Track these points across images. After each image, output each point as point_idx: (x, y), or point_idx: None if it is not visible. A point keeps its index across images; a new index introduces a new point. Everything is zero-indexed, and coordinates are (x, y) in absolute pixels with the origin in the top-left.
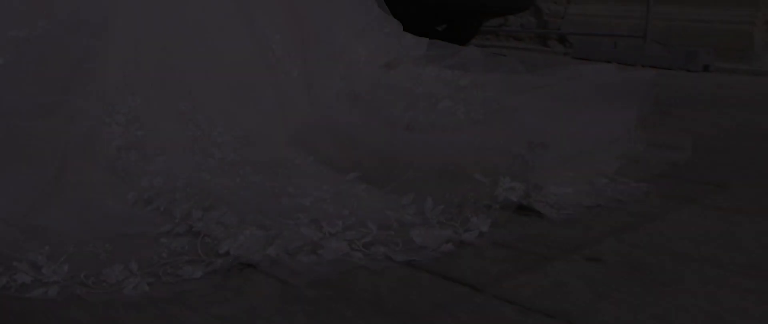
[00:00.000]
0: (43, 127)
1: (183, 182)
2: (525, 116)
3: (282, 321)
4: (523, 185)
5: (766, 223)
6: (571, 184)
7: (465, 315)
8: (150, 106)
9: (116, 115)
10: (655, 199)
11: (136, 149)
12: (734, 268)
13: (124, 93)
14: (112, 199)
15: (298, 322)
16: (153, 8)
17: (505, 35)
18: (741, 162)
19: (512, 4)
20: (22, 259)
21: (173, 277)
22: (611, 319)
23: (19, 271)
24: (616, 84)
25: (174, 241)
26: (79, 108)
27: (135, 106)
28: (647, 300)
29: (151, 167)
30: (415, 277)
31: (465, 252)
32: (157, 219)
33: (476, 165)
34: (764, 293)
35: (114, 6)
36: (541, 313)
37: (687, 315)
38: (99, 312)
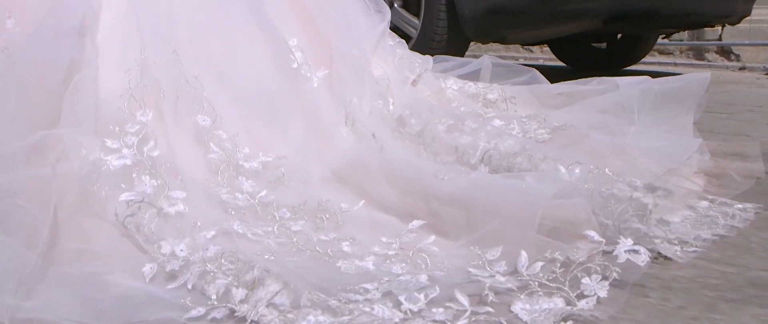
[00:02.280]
0: (26, 178)
1: (214, 250)
2: (591, 135)
3: None
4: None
5: None
6: (673, 211)
7: None
8: (163, 120)
9: (125, 137)
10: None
11: (152, 175)
12: None
13: (132, 105)
14: (123, 273)
15: None
16: (158, 4)
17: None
18: None
19: (727, 9)
20: None
21: None
22: None
23: None
24: (659, 90)
25: None
26: (73, 142)
27: (146, 121)
28: None
29: (169, 224)
30: None
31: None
32: (186, 300)
33: (588, 222)
34: None
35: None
36: None
37: None
38: None
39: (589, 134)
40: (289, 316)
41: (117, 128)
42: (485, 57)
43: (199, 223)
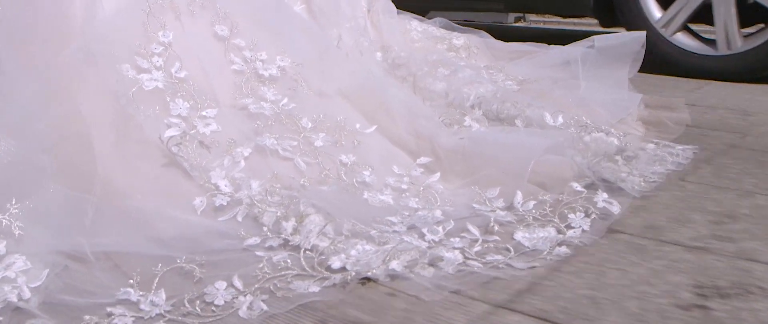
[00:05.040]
0: (59, 119)
1: (258, 188)
2: (554, 89)
3: None
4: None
5: None
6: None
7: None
8: (186, 37)
9: (152, 57)
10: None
11: (183, 97)
12: None
13: (153, 24)
14: (174, 207)
15: None
16: None
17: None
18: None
19: None
20: (115, 303)
21: (288, 292)
22: None
23: (115, 316)
24: (600, 46)
25: (273, 254)
26: (108, 55)
27: (168, 42)
28: None
29: (210, 152)
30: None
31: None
32: (240, 230)
33: (572, 176)
34: None
35: None
36: None
37: None
38: None
39: (553, 89)
40: (340, 245)
41: (142, 48)
42: (437, 19)
43: (234, 139)
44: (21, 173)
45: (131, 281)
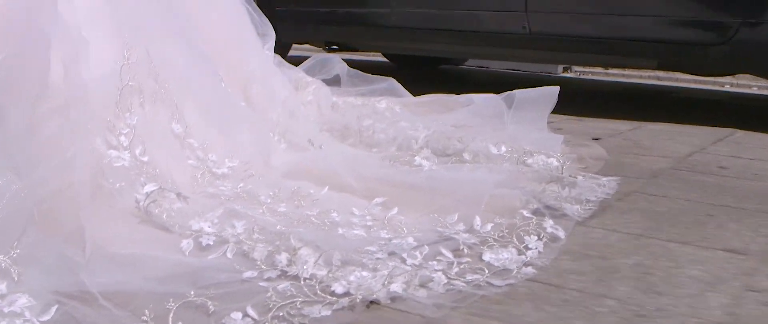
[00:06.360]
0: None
1: (242, 227)
2: (484, 131)
3: None
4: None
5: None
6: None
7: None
8: (149, 125)
9: (120, 136)
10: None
11: (148, 178)
12: None
13: (122, 104)
14: (162, 251)
15: None
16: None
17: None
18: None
19: None
20: None
21: (302, 318)
22: None
23: None
24: (520, 97)
25: (276, 284)
26: (82, 125)
27: (134, 124)
28: None
29: (187, 209)
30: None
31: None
32: (234, 265)
33: (522, 206)
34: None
35: None
36: None
37: None
38: None
39: (484, 130)
40: (337, 273)
41: (112, 125)
42: (338, 62)
43: (202, 211)
44: (17, 218)
45: (145, 318)
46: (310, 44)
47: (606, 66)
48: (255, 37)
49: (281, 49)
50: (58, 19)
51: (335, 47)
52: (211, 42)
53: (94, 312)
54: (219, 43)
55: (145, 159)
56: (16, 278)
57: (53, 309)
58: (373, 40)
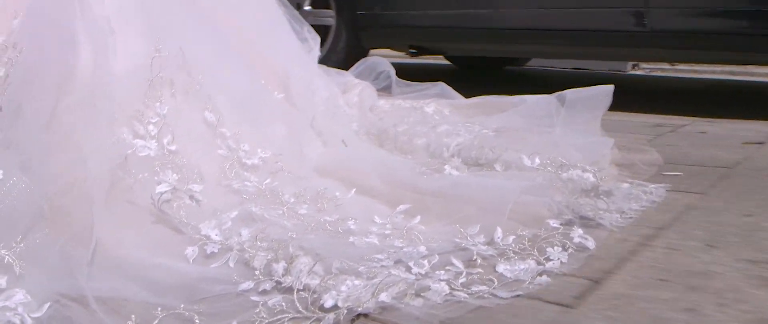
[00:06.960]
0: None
1: (248, 234)
2: (528, 135)
3: None
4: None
5: None
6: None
7: None
8: (179, 114)
9: (148, 125)
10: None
11: (173, 169)
12: None
13: (151, 94)
14: (166, 257)
15: None
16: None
17: None
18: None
19: None
20: None
21: None
22: None
23: None
24: (571, 98)
25: (268, 299)
26: (108, 114)
27: (164, 114)
28: None
29: (198, 209)
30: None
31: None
32: (233, 275)
33: (549, 215)
34: None
35: None
36: None
37: None
38: None
39: (528, 134)
40: (330, 282)
41: (140, 114)
42: (386, 65)
43: (219, 209)
44: (24, 213)
45: (130, 323)
46: (391, 49)
47: (730, 63)
48: (294, 41)
49: (360, 53)
50: (87, 12)
51: (414, 51)
52: (249, 43)
53: (85, 314)
54: (256, 45)
55: (173, 148)
56: (18, 273)
57: (46, 306)
58: (469, 42)
